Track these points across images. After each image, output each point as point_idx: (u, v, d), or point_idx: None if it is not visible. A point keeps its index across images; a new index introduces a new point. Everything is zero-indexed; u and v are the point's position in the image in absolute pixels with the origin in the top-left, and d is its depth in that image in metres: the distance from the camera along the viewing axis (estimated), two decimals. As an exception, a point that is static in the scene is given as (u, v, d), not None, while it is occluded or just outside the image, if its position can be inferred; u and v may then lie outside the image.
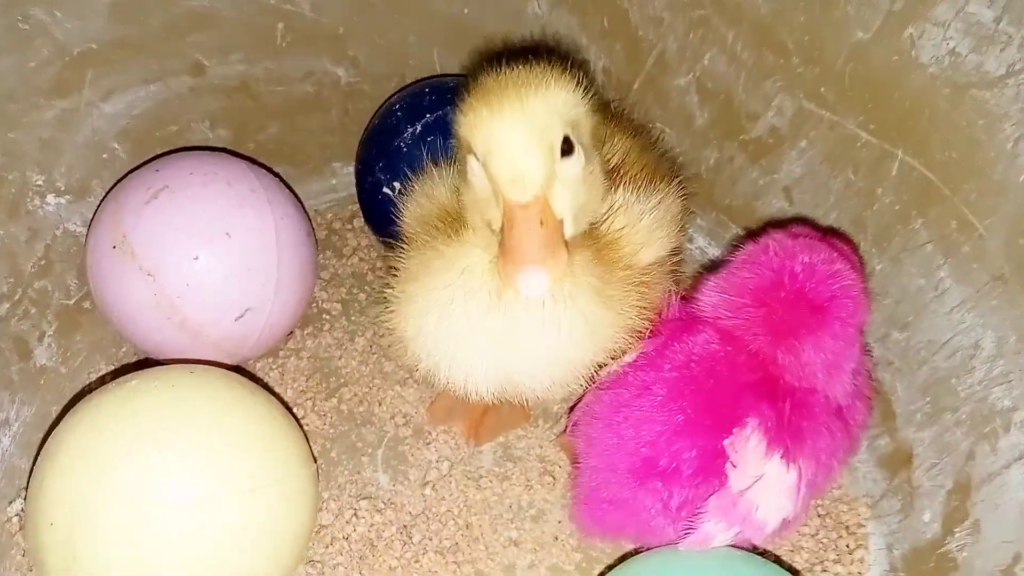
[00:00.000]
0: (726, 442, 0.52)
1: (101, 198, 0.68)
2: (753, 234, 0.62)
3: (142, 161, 0.69)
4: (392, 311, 0.54)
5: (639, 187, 0.56)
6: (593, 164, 0.49)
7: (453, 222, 0.52)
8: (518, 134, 0.43)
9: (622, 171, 0.57)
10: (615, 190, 0.55)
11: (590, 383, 0.55)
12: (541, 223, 0.44)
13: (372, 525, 0.63)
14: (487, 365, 0.51)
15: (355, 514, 0.63)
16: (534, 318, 0.49)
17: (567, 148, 0.45)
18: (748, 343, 0.54)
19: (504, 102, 0.44)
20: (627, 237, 0.53)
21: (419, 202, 0.58)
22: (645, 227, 0.54)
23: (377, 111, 0.76)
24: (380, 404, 0.70)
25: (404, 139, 0.70)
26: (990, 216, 0.54)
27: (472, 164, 0.46)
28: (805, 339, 0.53)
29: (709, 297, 0.56)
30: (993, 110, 0.53)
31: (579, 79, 0.48)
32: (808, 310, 0.53)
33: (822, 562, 0.62)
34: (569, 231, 0.47)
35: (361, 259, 0.80)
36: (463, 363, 0.51)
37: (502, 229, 0.45)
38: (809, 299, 0.53)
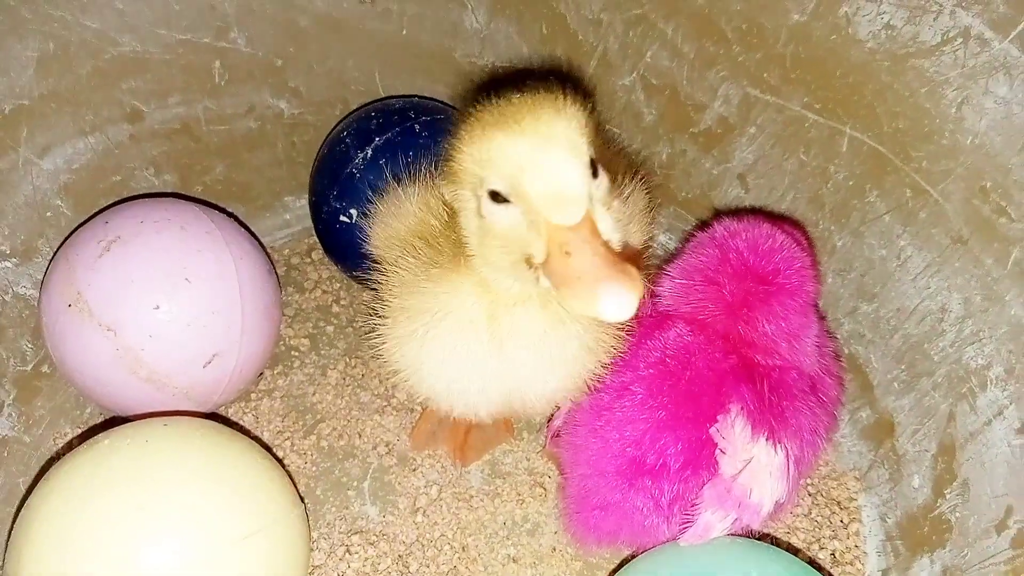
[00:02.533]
0: (712, 429, 0.52)
1: (50, 257, 0.66)
2: (705, 224, 0.63)
3: (88, 215, 0.67)
4: (385, 344, 0.52)
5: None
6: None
7: (433, 243, 0.51)
8: (556, 152, 0.40)
9: None
10: None
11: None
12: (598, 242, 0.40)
13: (367, 559, 0.61)
14: (492, 391, 0.50)
15: (348, 550, 0.62)
16: (537, 336, 0.48)
17: (593, 170, 0.42)
18: (715, 326, 0.55)
19: (530, 124, 0.40)
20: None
21: (387, 223, 0.56)
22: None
23: (325, 140, 0.75)
24: (360, 436, 0.69)
25: (356, 165, 0.69)
26: (943, 181, 0.56)
27: (488, 206, 0.42)
28: (757, 309, 0.55)
29: (664, 286, 0.58)
30: (934, 77, 0.54)
31: (583, 103, 0.45)
32: (755, 282, 0.55)
33: (819, 540, 0.62)
34: None
35: (324, 291, 0.79)
36: (466, 392, 0.50)
37: (546, 263, 0.41)
38: (754, 272, 0.55)
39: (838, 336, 0.66)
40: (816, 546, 0.62)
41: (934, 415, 0.58)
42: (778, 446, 0.52)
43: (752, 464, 0.51)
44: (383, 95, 0.79)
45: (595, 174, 0.42)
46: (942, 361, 0.57)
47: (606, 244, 0.40)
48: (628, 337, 0.54)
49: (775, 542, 0.62)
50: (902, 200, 0.59)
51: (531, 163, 0.40)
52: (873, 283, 0.63)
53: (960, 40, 0.52)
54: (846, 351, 0.65)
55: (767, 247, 0.55)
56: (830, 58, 0.60)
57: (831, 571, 0.61)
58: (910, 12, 0.54)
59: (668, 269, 0.59)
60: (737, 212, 0.67)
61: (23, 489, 0.63)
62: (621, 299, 0.38)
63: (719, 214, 0.70)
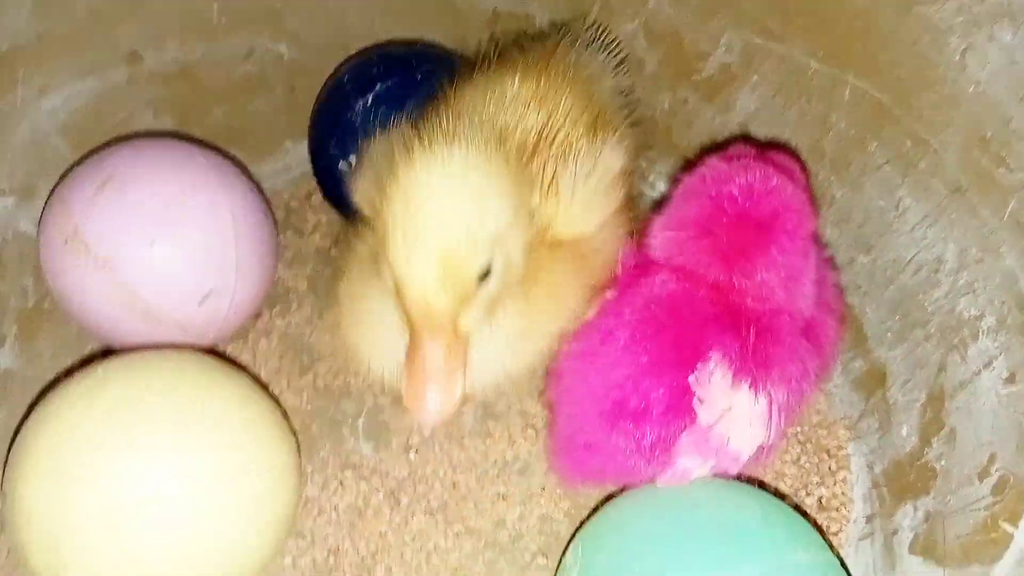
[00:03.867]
0: (691, 378, 0.52)
1: (48, 196, 0.66)
2: (690, 164, 0.60)
3: (86, 155, 0.67)
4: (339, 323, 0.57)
5: (570, 152, 0.55)
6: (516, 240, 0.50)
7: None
8: (430, 274, 0.45)
9: (551, 137, 0.56)
10: (544, 165, 0.54)
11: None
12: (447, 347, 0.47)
13: (359, 493, 0.62)
14: None
15: (340, 484, 0.63)
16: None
17: (486, 272, 0.47)
18: (705, 276, 0.54)
19: (419, 239, 0.45)
20: (564, 219, 0.53)
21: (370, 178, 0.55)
22: (581, 201, 0.54)
23: (324, 85, 0.75)
24: (356, 376, 0.69)
25: (355, 112, 0.69)
26: (943, 130, 0.55)
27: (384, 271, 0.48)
28: (756, 258, 0.53)
29: (656, 238, 0.56)
30: (938, 24, 0.53)
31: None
32: (753, 229, 0.53)
33: (806, 486, 0.63)
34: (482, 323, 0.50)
35: (323, 236, 0.79)
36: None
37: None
38: (752, 218, 0.53)
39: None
40: (803, 492, 0.63)
41: (925, 365, 0.58)
42: (760, 393, 0.52)
43: (732, 412, 0.51)
44: (383, 40, 0.79)
45: (487, 273, 0.47)
46: (935, 312, 0.57)
47: (460, 342, 0.47)
48: (614, 282, 0.54)
49: (762, 485, 0.62)
50: (902, 150, 0.58)
51: (409, 277, 0.46)
52: (871, 234, 0.62)
53: (965, -15, 0.51)
54: (841, 302, 0.65)
55: (762, 190, 0.53)
56: (833, 5, 0.59)
57: (817, 517, 0.61)
58: (915, -45, 0.53)
59: (660, 219, 0.57)
60: (723, 145, 0.66)
61: (26, 421, 0.64)
62: (430, 410, 0.47)
63: (705, 151, 0.68)
